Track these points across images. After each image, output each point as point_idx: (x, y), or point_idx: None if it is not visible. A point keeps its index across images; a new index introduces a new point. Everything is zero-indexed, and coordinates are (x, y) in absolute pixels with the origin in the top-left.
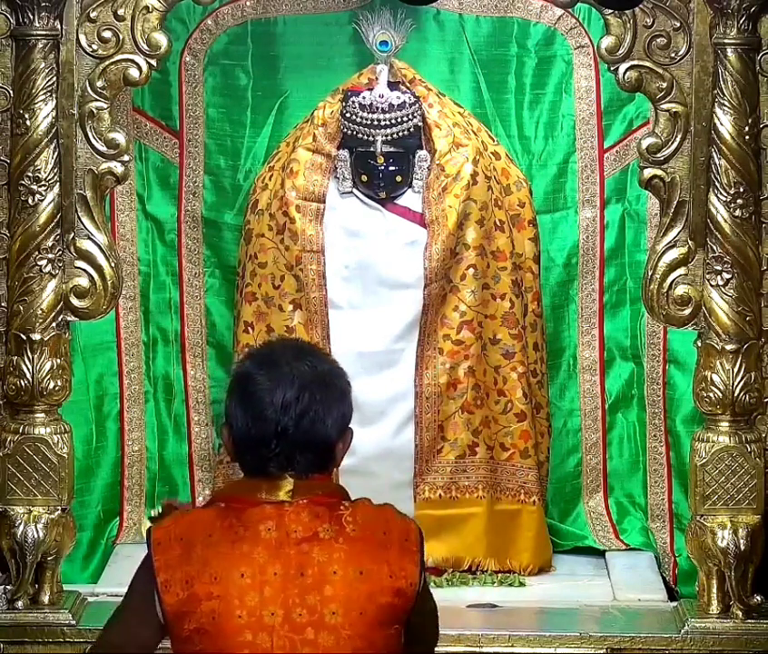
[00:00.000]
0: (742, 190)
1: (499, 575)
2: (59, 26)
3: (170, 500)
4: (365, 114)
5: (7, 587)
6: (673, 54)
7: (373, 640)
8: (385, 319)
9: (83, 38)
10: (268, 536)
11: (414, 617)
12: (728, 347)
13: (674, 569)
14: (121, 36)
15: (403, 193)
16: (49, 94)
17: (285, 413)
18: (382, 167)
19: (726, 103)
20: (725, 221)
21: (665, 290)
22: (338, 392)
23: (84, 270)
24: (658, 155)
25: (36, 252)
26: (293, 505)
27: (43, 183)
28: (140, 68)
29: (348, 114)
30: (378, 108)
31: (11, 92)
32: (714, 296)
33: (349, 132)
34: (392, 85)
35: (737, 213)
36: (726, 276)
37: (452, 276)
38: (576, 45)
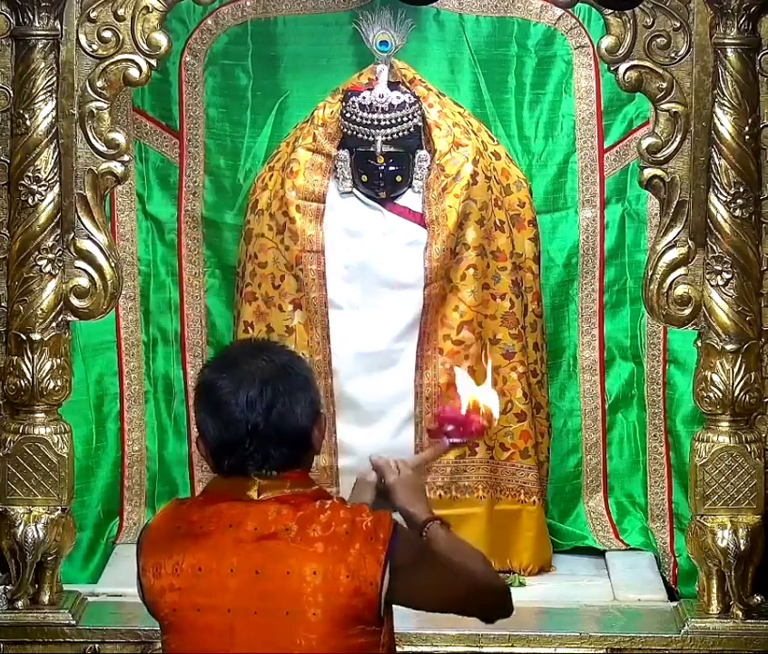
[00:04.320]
0: (742, 190)
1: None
2: (59, 26)
3: None
4: (365, 114)
5: (7, 587)
6: (673, 54)
7: (331, 641)
8: (385, 319)
9: (83, 38)
10: (229, 532)
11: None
12: (728, 347)
13: (674, 569)
14: (121, 36)
15: (403, 193)
16: (49, 94)
17: (252, 410)
18: (382, 167)
19: (726, 103)
20: (725, 221)
21: (665, 290)
22: (300, 380)
23: (84, 270)
24: (658, 155)
25: (36, 252)
26: (260, 503)
27: (43, 183)
28: (140, 68)
29: (348, 114)
30: (378, 108)
31: (11, 92)
32: (714, 296)
33: (349, 132)
34: (392, 85)
35: (737, 213)
36: (726, 276)
37: (452, 276)
38: (576, 45)
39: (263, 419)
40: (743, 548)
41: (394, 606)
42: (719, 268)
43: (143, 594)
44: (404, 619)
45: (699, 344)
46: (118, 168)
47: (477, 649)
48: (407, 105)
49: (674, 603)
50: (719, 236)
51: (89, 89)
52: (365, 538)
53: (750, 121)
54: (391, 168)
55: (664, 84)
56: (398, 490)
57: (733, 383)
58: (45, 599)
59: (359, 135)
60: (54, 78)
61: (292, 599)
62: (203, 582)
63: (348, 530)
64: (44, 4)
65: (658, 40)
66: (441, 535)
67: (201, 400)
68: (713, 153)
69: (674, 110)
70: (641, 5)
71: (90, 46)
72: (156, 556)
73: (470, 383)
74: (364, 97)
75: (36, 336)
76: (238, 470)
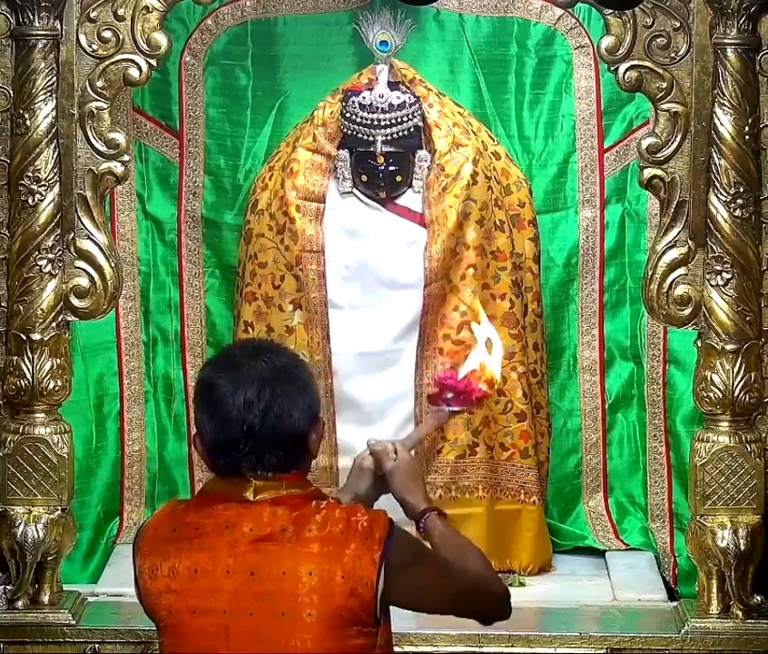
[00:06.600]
0: (742, 190)
1: (499, 575)
2: (59, 26)
3: None
4: (365, 114)
5: (7, 587)
6: (673, 54)
7: (326, 642)
8: (385, 319)
9: (83, 38)
10: (225, 533)
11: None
12: (728, 347)
13: (674, 569)
14: (121, 36)
15: (403, 192)
16: (49, 94)
17: (249, 412)
18: (382, 167)
19: (726, 103)
20: (725, 221)
21: (665, 290)
22: (300, 384)
23: (84, 270)
24: (658, 155)
25: (36, 252)
26: (256, 504)
27: (43, 183)
28: (140, 68)
29: (348, 114)
30: (378, 108)
31: (11, 92)
32: (714, 296)
33: (349, 132)
34: (392, 85)
35: (737, 213)
36: (726, 276)
37: (452, 276)
38: (576, 45)
39: (260, 421)
40: (743, 548)
41: (394, 607)
42: (719, 268)
43: (141, 596)
44: (404, 619)
45: (699, 344)
46: (118, 168)
47: (477, 649)
48: (407, 105)
49: (674, 603)
50: (719, 236)
51: (89, 89)
52: (361, 538)
53: (750, 121)
54: (391, 168)
55: (664, 84)
56: (396, 478)
57: (733, 383)
58: (45, 599)
59: (359, 135)
60: (54, 78)
61: (288, 601)
62: (199, 585)
63: (343, 530)
64: (44, 4)
65: (658, 40)
66: (439, 527)
67: (199, 398)
68: (713, 153)
69: (674, 110)
70: (641, 5)
71: (90, 46)
72: (152, 558)
73: (476, 349)
74: (364, 97)
75: (36, 336)
76: (233, 471)
